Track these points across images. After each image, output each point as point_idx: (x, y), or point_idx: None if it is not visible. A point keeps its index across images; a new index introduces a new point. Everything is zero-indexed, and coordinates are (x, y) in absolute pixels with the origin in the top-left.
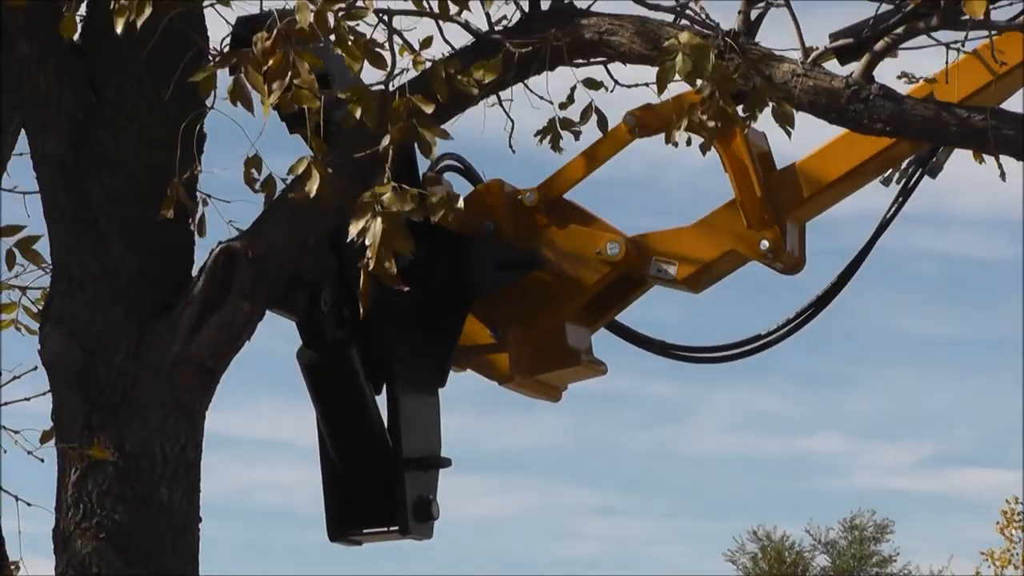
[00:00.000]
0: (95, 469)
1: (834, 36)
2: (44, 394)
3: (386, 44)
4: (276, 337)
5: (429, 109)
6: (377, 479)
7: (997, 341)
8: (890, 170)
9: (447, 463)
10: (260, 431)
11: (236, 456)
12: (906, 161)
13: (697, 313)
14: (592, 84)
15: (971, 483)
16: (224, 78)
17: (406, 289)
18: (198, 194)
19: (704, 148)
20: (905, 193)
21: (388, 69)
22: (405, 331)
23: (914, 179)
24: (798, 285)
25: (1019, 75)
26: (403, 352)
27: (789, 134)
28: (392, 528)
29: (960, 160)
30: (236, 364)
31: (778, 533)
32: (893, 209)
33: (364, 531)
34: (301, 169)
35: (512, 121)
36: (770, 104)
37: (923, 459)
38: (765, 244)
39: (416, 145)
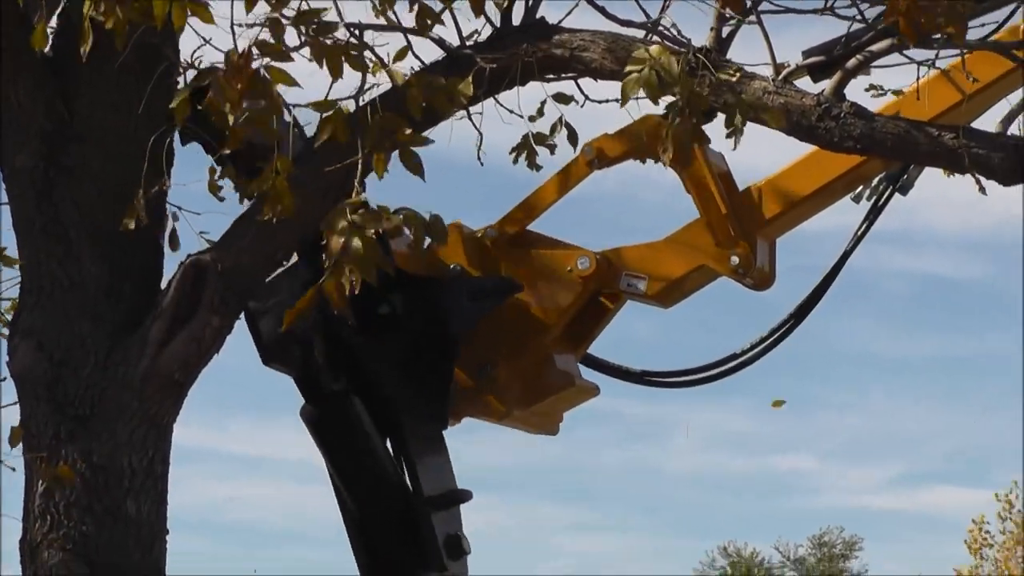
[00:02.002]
0: (62, 481)
1: (806, 53)
2: (13, 404)
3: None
4: (251, 354)
5: (405, 128)
6: (403, 524)
7: (967, 360)
8: (861, 187)
9: (468, 495)
10: (234, 447)
11: (210, 471)
12: (877, 178)
13: (668, 329)
14: (562, 99)
15: (940, 501)
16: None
17: (349, 319)
18: (168, 207)
19: (677, 161)
20: (876, 211)
21: (359, 84)
22: (402, 377)
23: (885, 196)
24: (768, 301)
25: (990, 94)
26: (405, 397)
27: (772, 127)
28: (427, 572)
29: (931, 180)
30: (212, 381)
31: (748, 550)
32: (864, 226)
33: None
34: (266, 186)
35: (481, 135)
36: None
37: (892, 478)
38: (735, 260)
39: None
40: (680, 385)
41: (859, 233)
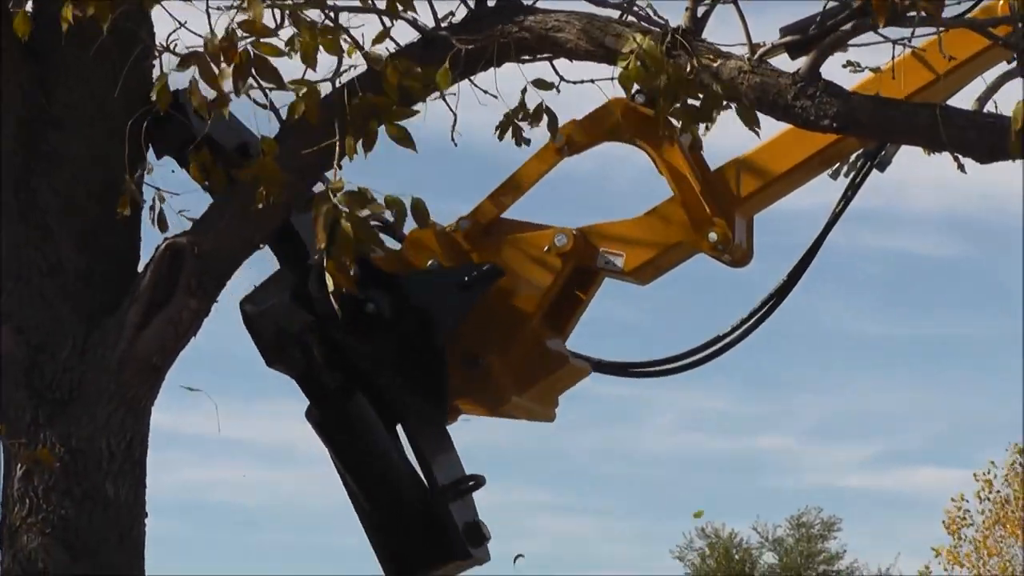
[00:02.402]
0: (41, 464)
1: (783, 31)
2: None
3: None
4: (230, 338)
5: (390, 105)
6: (421, 516)
7: (945, 340)
8: (838, 163)
9: (482, 480)
10: (213, 430)
11: (189, 454)
12: (854, 154)
13: (646, 311)
14: (542, 85)
15: (918, 481)
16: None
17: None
18: (154, 189)
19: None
20: (854, 187)
21: (335, 66)
22: (397, 376)
23: (863, 173)
24: (746, 280)
25: (966, 71)
26: (404, 397)
27: (758, 134)
28: (453, 561)
29: (909, 159)
30: (192, 364)
31: (726, 530)
32: (842, 203)
33: (428, 574)
34: (257, 171)
35: (455, 115)
36: (729, 106)
37: (871, 457)
38: (713, 236)
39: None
40: (666, 373)
41: (837, 210)
